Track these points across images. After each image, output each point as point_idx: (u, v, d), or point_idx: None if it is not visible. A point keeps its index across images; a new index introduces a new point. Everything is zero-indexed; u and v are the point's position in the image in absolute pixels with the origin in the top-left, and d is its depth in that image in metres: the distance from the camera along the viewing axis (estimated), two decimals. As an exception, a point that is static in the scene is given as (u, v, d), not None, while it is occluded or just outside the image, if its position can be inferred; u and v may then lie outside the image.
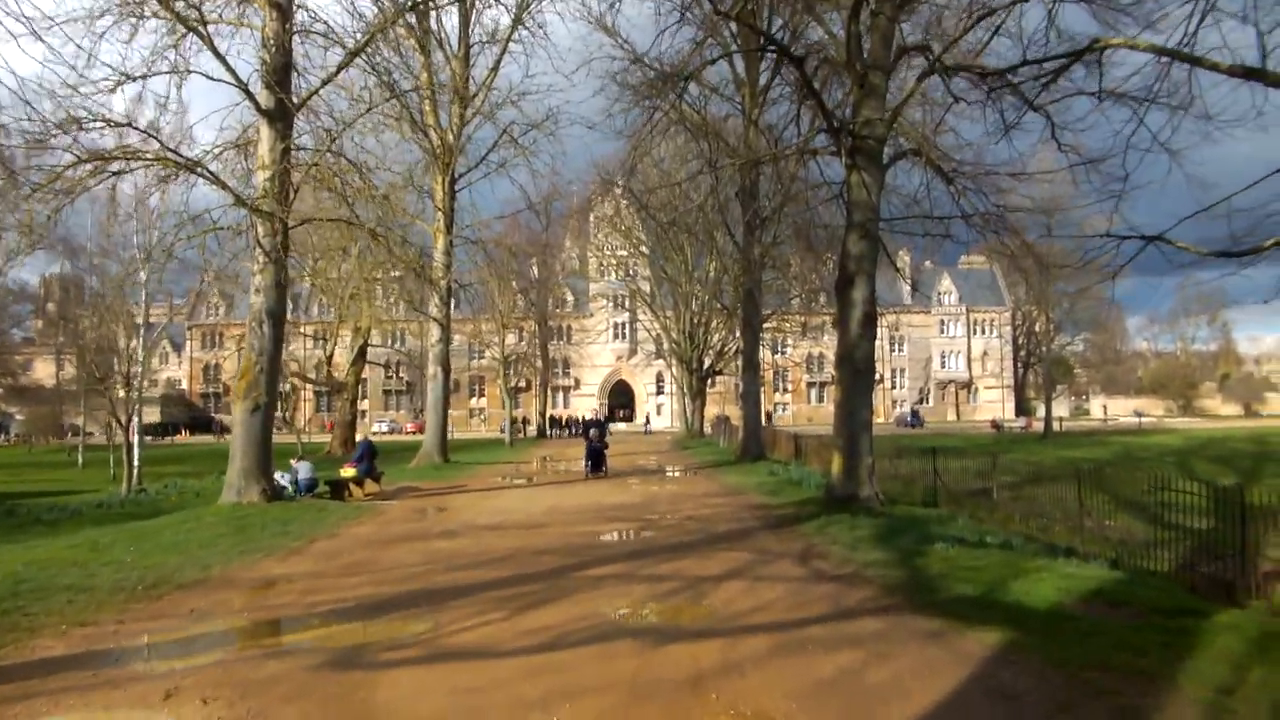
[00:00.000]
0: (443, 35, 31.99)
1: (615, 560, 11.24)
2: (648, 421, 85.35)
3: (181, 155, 18.10)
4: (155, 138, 17.60)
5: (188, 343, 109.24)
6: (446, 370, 32.99)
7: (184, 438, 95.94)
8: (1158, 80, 13.35)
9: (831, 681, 6.22)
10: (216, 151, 19.62)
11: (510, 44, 31.40)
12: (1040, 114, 16.77)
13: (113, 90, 16.93)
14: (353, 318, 53.36)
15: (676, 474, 26.98)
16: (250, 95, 18.66)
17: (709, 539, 13.02)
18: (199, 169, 18.08)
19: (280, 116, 18.93)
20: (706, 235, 35.00)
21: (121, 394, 40.28)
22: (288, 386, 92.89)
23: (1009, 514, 16.17)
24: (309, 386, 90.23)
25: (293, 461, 22.12)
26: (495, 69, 32.16)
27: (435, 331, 33.09)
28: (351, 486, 21.38)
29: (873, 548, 11.55)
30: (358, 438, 22.89)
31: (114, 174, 18.16)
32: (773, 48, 18.38)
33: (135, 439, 41.49)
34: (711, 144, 26.10)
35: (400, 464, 33.11)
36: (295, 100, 19.47)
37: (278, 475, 20.85)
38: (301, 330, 79.68)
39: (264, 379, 18.97)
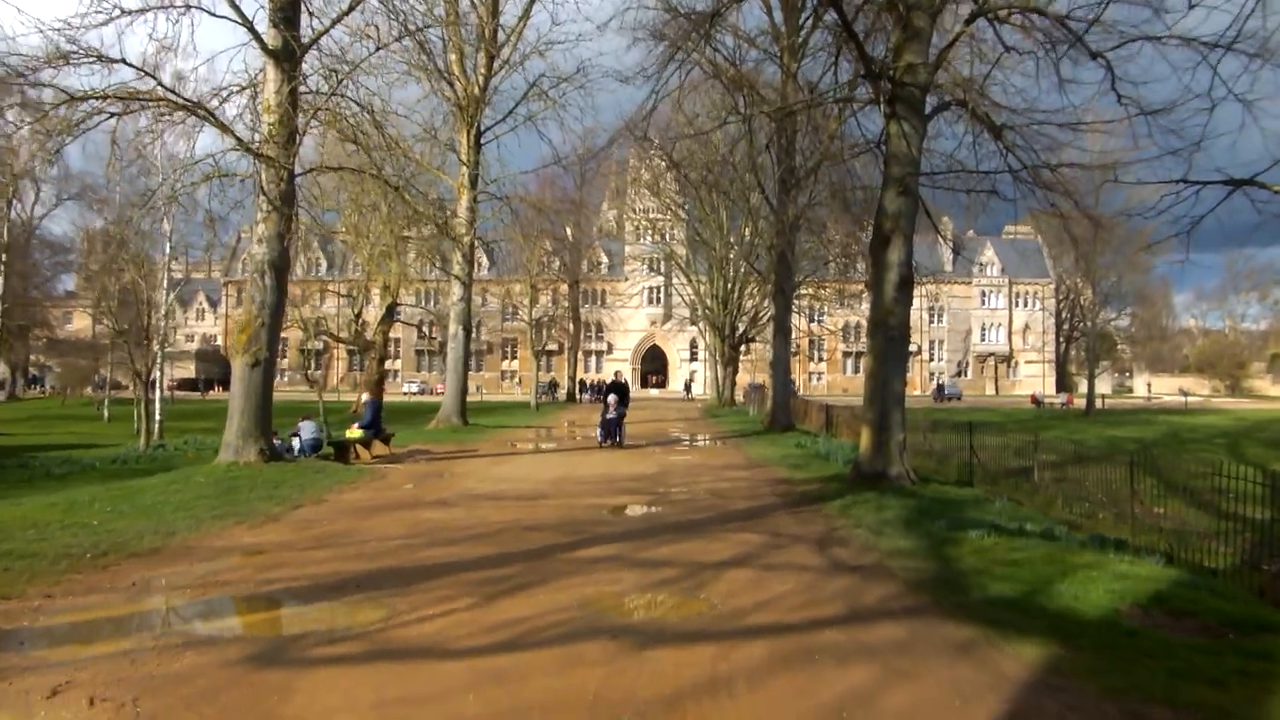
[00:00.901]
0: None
1: (613, 540, 10.19)
2: (688, 387, 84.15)
3: (180, 95, 17.11)
4: (152, 76, 16.61)
5: (224, 299, 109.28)
6: (468, 330, 32.12)
7: (217, 393, 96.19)
8: (1233, 24, 11.91)
9: (837, 708, 5.11)
10: (224, 95, 18.70)
11: (541, -9, 30.17)
12: (1100, 62, 15.30)
13: (105, 23, 15.95)
14: (383, 276, 52.78)
15: (700, 443, 25.92)
16: (255, 34, 17.62)
17: (721, 517, 11.93)
18: (199, 110, 17.11)
19: (287, 57, 17.87)
20: (741, 196, 33.60)
21: (153, 348, 40.00)
22: (319, 344, 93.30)
23: (1050, 497, 14.91)
24: (341, 345, 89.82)
25: (301, 421, 21.34)
26: (525, 16, 30.94)
27: (457, 290, 32.17)
28: (358, 448, 20.55)
29: (899, 533, 10.39)
30: (363, 398, 21.87)
31: (112, 115, 17.23)
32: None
33: (157, 394, 41.35)
34: (746, 97, 24.72)
35: (420, 425, 32.39)
36: (305, 40, 18.45)
37: (283, 436, 20.13)
38: (334, 289, 79.39)
39: (265, 333, 18.07)
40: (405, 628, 6.68)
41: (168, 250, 41.11)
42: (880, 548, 9.58)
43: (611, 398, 23.35)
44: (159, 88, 16.73)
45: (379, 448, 21.69)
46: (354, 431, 20.75)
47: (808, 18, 25.34)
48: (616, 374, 27.26)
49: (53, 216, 61.41)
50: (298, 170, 18.91)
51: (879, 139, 16.31)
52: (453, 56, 30.81)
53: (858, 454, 15.69)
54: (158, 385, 41.50)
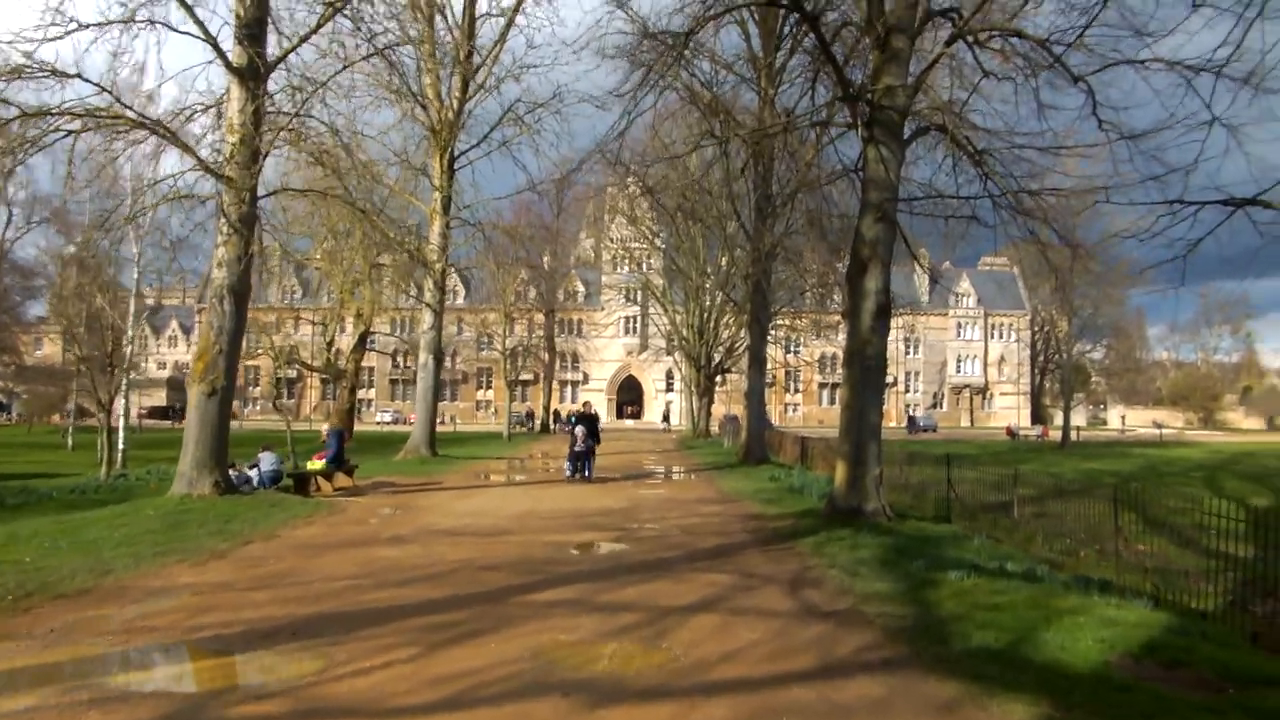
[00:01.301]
0: (445, 1, 30.38)
1: (574, 581, 9.64)
2: (666, 417, 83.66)
3: (138, 113, 16.58)
4: (108, 92, 16.06)
5: (197, 325, 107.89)
6: (439, 359, 31.48)
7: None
8: (1221, 47, 11.68)
9: (807, 780, 4.60)
10: (188, 115, 18.21)
11: (518, 15, 29.89)
12: (1081, 86, 15.08)
13: (61, 37, 15.42)
14: (355, 303, 52.15)
15: (672, 476, 25.40)
16: (220, 51, 17.12)
17: (689, 556, 11.39)
18: (159, 128, 16.61)
19: (252, 75, 17.38)
20: (717, 224, 33.30)
21: (116, 375, 39.11)
22: (293, 373, 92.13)
23: (1030, 534, 14.48)
24: (315, 374, 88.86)
25: (260, 451, 20.64)
26: (501, 40, 30.62)
27: (428, 318, 31.55)
28: (320, 480, 19.88)
29: (876, 574, 9.89)
30: (324, 429, 21.24)
31: (70, 133, 16.65)
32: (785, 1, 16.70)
33: (120, 422, 40.38)
34: (723, 122, 24.43)
35: (390, 455, 31.69)
36: (271, 59, 18.01)
37: (232, 471, 19.44)
38: (307, 317, 78.60)
39: (223, 360, 17.44)
40: (339, 681, 6.11)
41: (135, 275, 40.35)
42: (855, 590, 9.08)
43: (579, 429, 22.16)
44: (117, 104, 16.21)
45: (341, 479, 21.01)
46: (315, 463, 20.08)
47: (785, 41, 25.13)
48: (585, 404, 25.90)
49: (24, 241, 60.13)
50: (261, 192, 18.41)
51: (856, 164, 16.01)
52: (426, 80, 30.46)
53: (832, 489, 15.21)
54: (122, 413, 40.65)
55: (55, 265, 68.05)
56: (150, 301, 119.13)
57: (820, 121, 17.74)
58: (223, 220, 17.55)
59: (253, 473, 19.20)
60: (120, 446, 39.70)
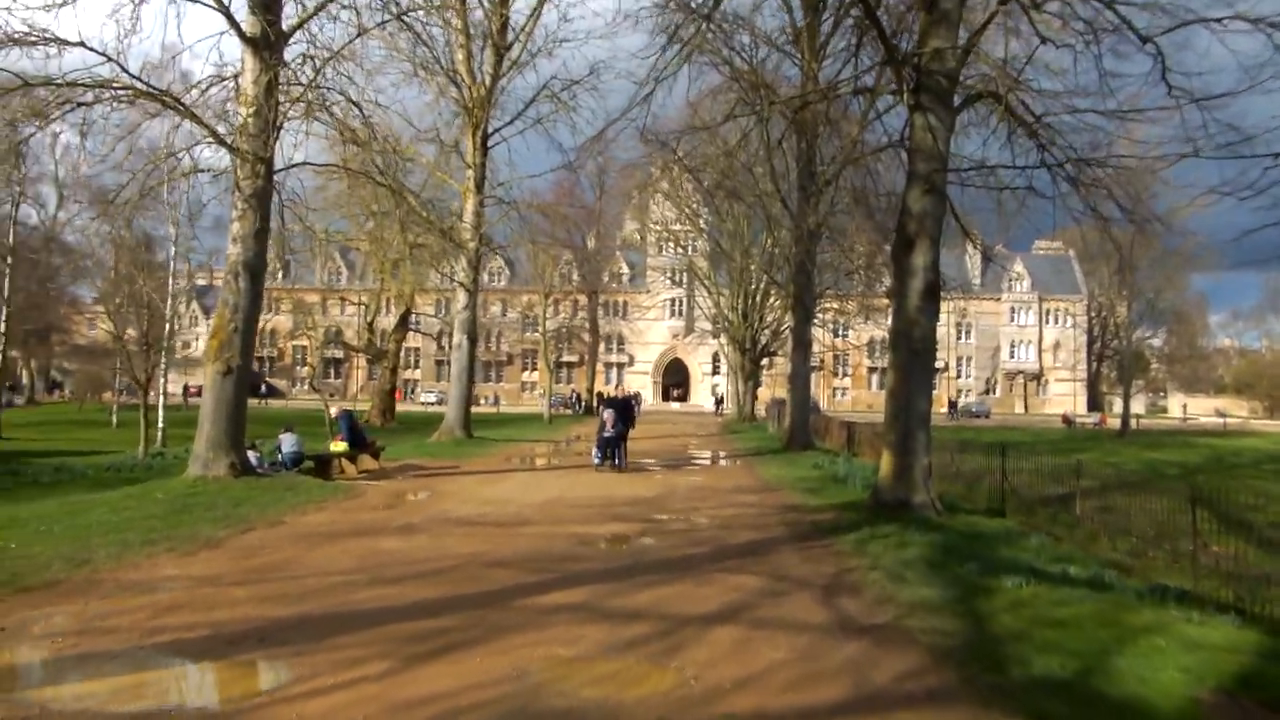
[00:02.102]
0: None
1: (586, 581, 8.74)
2: (720, 401, 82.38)
3: (145, 82, 15.88)
4: (115, 61, 15.38)
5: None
6: (473, 340, 30.79)
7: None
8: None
9: None
10: (203, 86, 17.54)
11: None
12: (1149, 49, 13.79)
13: (62, 4, 14.79)
14: (395, 284, 51.84)
15: (711, 463, 24.40)
16: (232, 19, 16.41)
17: (717, 553, 10.45)
18: (167, 98, 15.93)
19: (266, 45, 16.66)
20: (757, 202, 32.07)
21: (149, 353, 39.04)
22: (340, 354, 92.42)
23: (1092, 531, 13.31)
24: (359, 355, 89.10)
25: (281, 432, 20.07)
26: (536, 13, 29.70)
27: (462, 298, 30.81)
28: (344, 462, 19.24)
29: (923, 578, 8.86)
30: (332, 411, 20.59)
31: (80, 104, 16.05)
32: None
33: (160, 400, 40.38)
34: (764, 97, 23.28)
35: (427, 436, 31.12)
36: (287, 28, 17.27)
37: (251, 452, 18.89)
38: (350, 299, 78.88)
39: (239, 339, 16.80)
40: (290, 704, 5.27)
41: (172, 253, 40.22)
42: (898, 599, 8.06)
43: (608, 413, 20.65)
44: (124, 74, 15.54)
45: (367, 462, 20.38)
46: (338, 445, 19.42)
47: (827, 14, 23.84)
48: (618, 388, 25.01)
49: (75, 223, 60.75)
50: (278, 165, 17.69)
51: (902, 133, 14.85)
52: (459, 56, 29.65)
53: (877, 480, 14.14)
54: (161, 392, 40.63)
55: (101, 246, 68.83)
56: (202, 281, 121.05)
57: (864, 89, 16.56)
58: (237, 194, 16.89)
59: (252, 455, 18.60)
60: (160, 424, 39.74)
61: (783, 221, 31.49)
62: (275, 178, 17.45)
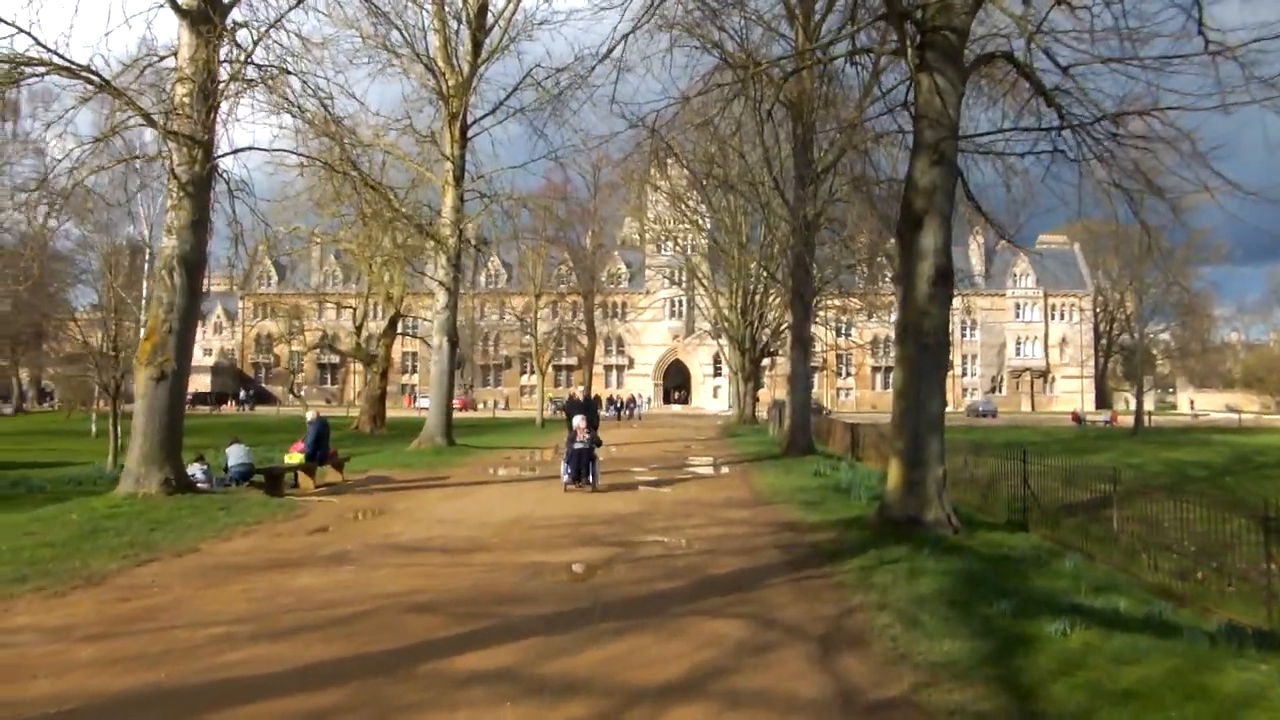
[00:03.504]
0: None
1: (525, 632, 7.00)
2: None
3: (65, 58, 14.21)
4: (27, 33, 13.74)
5: (240, 312, 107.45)
6: (453, 341, 29.04)
7: (230, 409, 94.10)
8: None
9: None
10: (141, 66, 15.91)
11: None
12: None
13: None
14: (385, 286, 50.33)
15: (704, 470, 22.64)
16: (165, -11, 14.81)
17: (695, 588, 8.72)
18: (85, 73, 14.24)
19: (203, 19, 15.02)
20: (753, 192, 30.35)
21: (117, 360, 37.44)
22: (336, 359, 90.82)
23: (1130, 547, 11.58)
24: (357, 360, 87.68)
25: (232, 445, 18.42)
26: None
27: (442, 297, 29.05)
28: (301, 475, 17.57)
29: (943, 624, 7.14)
30: (308, 416, 18.88)
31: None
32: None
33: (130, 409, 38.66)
34: (751, 66, 21.59)
35: (408, 444, 29.43)
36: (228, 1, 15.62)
37: (194, 466, 17.29)
38: (334, 301, 77.51)
39: (174, 341, 15.14)
40: None
41: (147, 256, 38.59)
42: (916, 656, 6.32)
43: (578, 420, 16.90)
44: (42, 50, 13.88)
45: (330, 474, 18.75)
46: (292, 455, 17.75)
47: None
48: (584, 388, 21.98)
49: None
50: (222, 150, 16.05)
51: (906, 98, 13.15)
52: (435, 41, 28.00)
53: (884, 493, 12.40)
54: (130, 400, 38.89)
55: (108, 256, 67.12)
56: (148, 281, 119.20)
57: (863, 49, 14.83)
58: (173, 181, 15.24)
59: (198, 468, 17.00)
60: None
61: (779, 212, 29.78)
62: (230, 169, 15.82)
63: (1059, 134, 12.60)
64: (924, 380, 11.78)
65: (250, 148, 17.40)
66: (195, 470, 17.45)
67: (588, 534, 11.97)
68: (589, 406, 17.93)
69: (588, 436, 16.80)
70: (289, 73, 15.47)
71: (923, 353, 11.79)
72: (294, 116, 16.67)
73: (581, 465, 16.71)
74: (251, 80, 15.32)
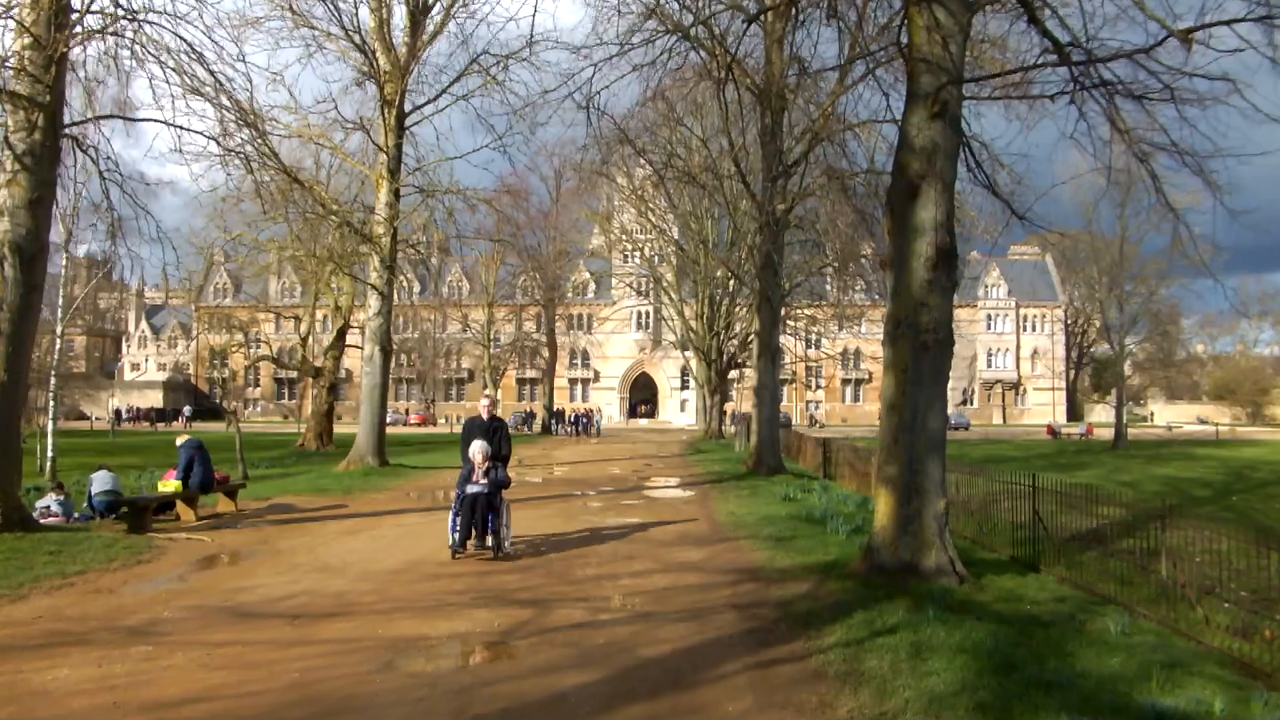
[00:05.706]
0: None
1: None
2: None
3: None
4: None
5: (194, 325, 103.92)
6: (386, 352, 26.29)
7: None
8: None
9: None
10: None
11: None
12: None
13: None
14: (333, 296, 47.81)
15: (659, 494, 20.06)
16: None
17: (614, 685, 6.14)
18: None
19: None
20: (715, 184, 27.95)
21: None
22: (294, 374, 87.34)
23: (1174, 593, 9.09)
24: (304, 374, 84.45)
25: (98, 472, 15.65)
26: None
27: (374, 303, 26.31)
28: (180, 504, 14.82)
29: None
30: (177, 441, 16.07)
31: None
32: None
33: (50, 428, 35.66)
34: (720, 60, 19.19)
35: (334, 463, 26.67)
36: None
37: (49, 497, 14.56)
38: (287, 314, 74.27)
39: (4, 346, 12.41)
40: None
41: (63, 265, 35.51)
42: None
43: (476, 446, 11.36)
44: None
45: (224, 503, 16.03)
46: (168, 483, 14.96)
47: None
48: (488, 399, 13.15)
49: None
50: (72, 118, 13.37)
51: (897, 37, 10.72)
52: (369, 19, 25.39)
53: (872, 535, 9.79)
54: (51, 419, 35.91)
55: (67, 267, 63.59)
56: (152, 300, 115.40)
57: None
58: (7, 153, 12.54)
59: (53, 499, 14.24)
60: (49, 454, 35.02)
61: (746, 209, 27.40)
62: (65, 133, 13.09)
63: (1077, 86, 10.14)
64: (922, 389, 9.25)
65: (111, 115, 14.64)
66: (50, 502, 14.70)
67: (493, 587, 9.36)
68: (495, 429, 11.95)
69: (486, 478, 11.13)
70: (142, 21, 12.75)
71: (921, 354, 9.26)
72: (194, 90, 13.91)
73: (477, 518, 11.03)
74: (98, 30, 12.64)
